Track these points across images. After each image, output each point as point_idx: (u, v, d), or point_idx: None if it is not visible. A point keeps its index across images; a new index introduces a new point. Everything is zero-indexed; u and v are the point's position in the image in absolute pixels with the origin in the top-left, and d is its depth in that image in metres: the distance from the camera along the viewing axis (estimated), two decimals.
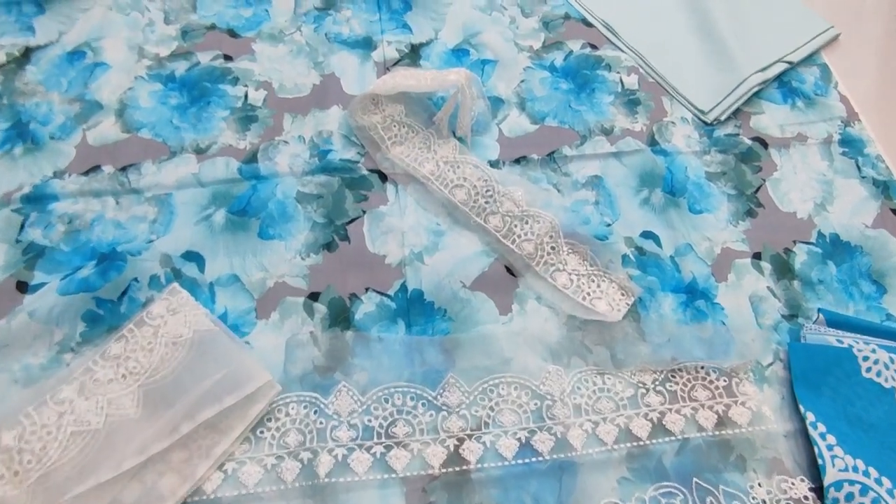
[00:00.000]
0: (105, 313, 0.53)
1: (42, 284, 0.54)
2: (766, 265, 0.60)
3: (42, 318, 0.53)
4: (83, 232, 0.58)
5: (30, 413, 0.47)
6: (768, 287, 0.59)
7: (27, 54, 0.69)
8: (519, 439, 0.50)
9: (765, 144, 0.68)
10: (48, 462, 0.45)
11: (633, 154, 0.67)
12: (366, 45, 0.73)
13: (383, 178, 0.63)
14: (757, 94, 0.71)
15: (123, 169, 0.62)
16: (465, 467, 0.49)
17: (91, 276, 0.55)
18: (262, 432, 0.49)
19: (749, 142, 0.68)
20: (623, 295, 0.57)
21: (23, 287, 0.54)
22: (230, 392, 0.48)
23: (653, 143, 0.68)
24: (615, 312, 0.56)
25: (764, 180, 0.65)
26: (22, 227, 0.58)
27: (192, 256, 0.57)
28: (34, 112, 0.65)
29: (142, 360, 0.50)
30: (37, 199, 0.59)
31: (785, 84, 0.73)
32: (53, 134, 0.64)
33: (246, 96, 0.68)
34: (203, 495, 0.47)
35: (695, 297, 0.58)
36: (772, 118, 0.70)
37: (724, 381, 0.53)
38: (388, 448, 0.49)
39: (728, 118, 0.69)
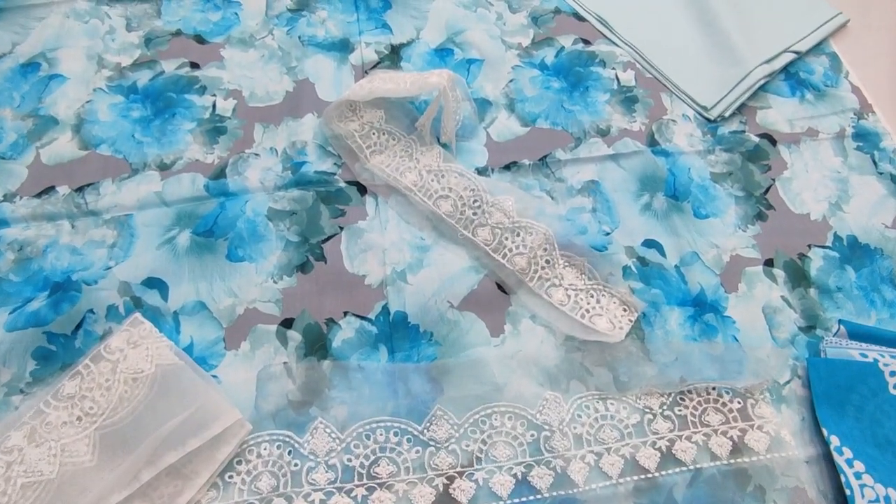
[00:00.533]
0: (58, 349, 0.49)
1: None
2: (780, 272, 0.55)
3: None
4: (35, 260, 0.53)
5: None
6: (783, 297, 0.54)
7: None
8: (515, 475, 0.46)
9: (773, 141, 0.63)
10: None
11: (632, 156, 0.62)
12: (342, 47, 0.69)
13: (362, 190, 0.59)
14: (763, 88, 0.66)
15: (80, 189, 0.57)
16: None
17: (42, 309, 0.50)
18: (230, 476, 0.45)
19: (756, 139, 0.63)
20: (625, 311, 0.53)
21: None
22: (195, 434, 0.44)
23: (653, 143, 0.63)
24: (617, 330, 0.52)
25: (773, 180, 0.61)
26: None
27: (154, 283, 0.52)
28: None
29: (99, 400, 0.46)
30: None
31: (792, 76, 0.68)
32: (4, 153, 0.59)
33: (214, 106, 0.63)
34: None
35: (703, 310, 0.53)
36: (779, 113, 0.65)
37: (739, 402, 0.49)
38: (371, 490, 0.45)
39: (732, 114, 0.65)
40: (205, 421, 0.44)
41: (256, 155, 0.60)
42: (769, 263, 0.56)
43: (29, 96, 0.63)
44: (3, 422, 0.45)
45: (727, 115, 0.64)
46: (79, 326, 0.50)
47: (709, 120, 0.65)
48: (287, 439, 0.46)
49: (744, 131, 0.64)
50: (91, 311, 0.51)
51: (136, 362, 0.47)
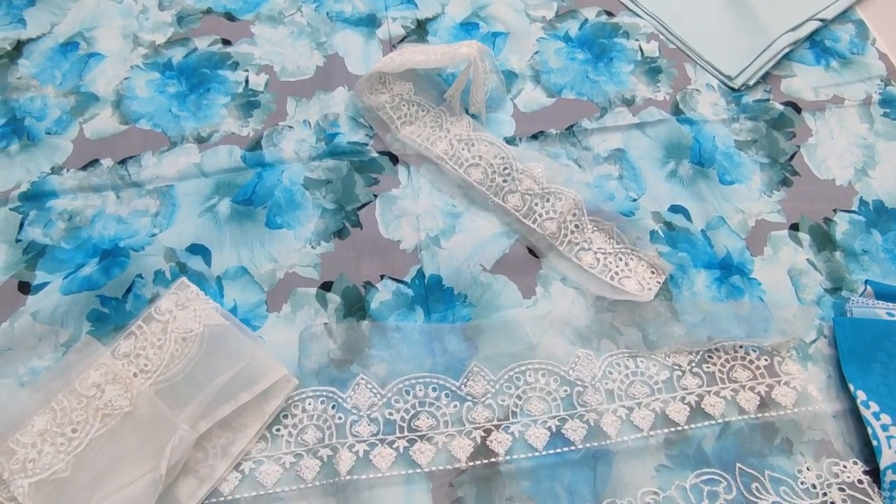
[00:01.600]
0: (110, 311, 0.51)
1: (45, 284, 0.52)
2: (805, 236, 0.56)
3: (46, 318, 0.51)
4: (84, 228, 0.55)
5: (60, 399, 0.45)
6: (808, 259, 0.55)
7: (19, 48, 0.67)
8: (549, 428, 0.48)
9: (798, 109, 0.64)
10: (80, 445, 0.43)
11: (658, 124, 0.63)
12: (370, 22, 0.70)
13: (394, 160, 0.60)
14: (787, 56, 0.67)
15: (123, 162, 0.59)
16: (493, 459, 0.46)
17: (94, 274, 0.53)
18: (278, 430, 0.47)
19: (781, 107, 0.64)
20: (653, 273, 0.54)
21: (25, 288, 0.52)
22: (245, 388, 0.46)
23: (677, 112, 0.64)
24: (646, 292, 0.53)
25: (798, 147, 0.61)
26: (21, 225, 0.56)
27: (198, 249, 0.54)
28: (29, 107, 0.63)
29: (152, 358, 0.48)
30: (35, 197, 0.57)
31: (818, 44, 0.68)
32: (49, 129, 0.62)
33: (247, 81, 0.65)
34: (220, 497, 0.44)
35: (730, 272, 0.55)
36: (805, 81, 0.65)
37: (766, 360, 0.50)
38: (412, 442, 0.47)
39: (757, 83, 0.65)
40: (253, 377, 0.46)
41: (290, 127, 0.62)
42: (794, 228, 0.57)
43: (69, 74, 0.65)
44: (68, 372, 0.47)
45: (751, 83, 0.65)
46: (129, 290, 0.52)
47: (733, 89, 0.65)
48: (330, 395, 0.48)
49: (768, 100, 0.64)
50: (140, 276, 0.53)
51: (185, 323, 0.49)
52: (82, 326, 0.50)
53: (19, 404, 0.46)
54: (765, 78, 0.66)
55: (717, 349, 0.51)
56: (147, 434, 0.44)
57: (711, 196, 0.59)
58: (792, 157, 0.61)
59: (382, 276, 0.53)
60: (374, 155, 0.60)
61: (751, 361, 0.50)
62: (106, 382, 0.46)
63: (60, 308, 0.51)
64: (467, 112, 0.62)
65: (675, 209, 0.58)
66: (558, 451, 0.47)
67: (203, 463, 0.45)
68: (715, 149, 0.61)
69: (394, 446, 0.46)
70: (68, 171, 0.59)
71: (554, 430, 0.47)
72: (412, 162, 0.60)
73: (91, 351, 0.48)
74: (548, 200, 0.56)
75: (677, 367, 0.50)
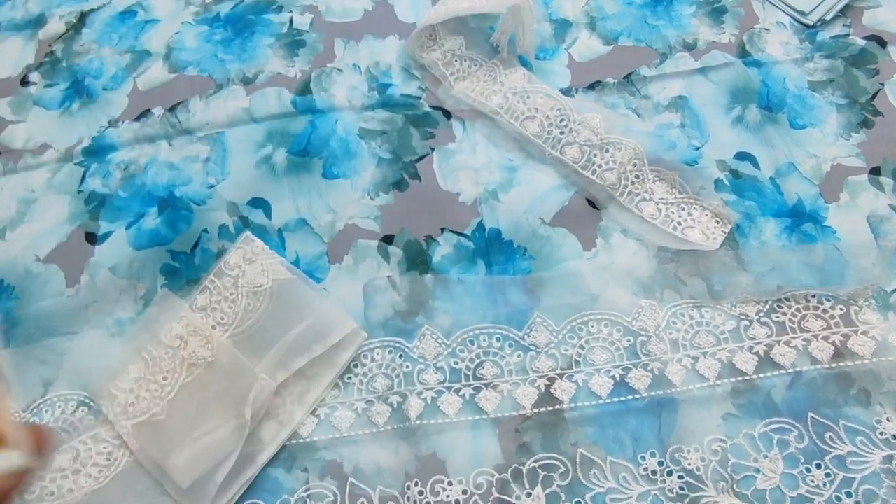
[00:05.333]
0: (181, 266, 0.54)
1: (109, 234, 0.56)
2: (888, 181, 0.53)
3: (123, 273, 0.54)
4: (138, 176, 0.59)
5: (149, 350, 0.49)
6: (890, 205, 0.52)
7: (82, 19, 0.70)
8: (613, 377, 0.48)
9: (882, 43, 0.59)
10: (171, 392, 0.47)
11: (722, 69, 0.60)
12: None
13: (448, 115, 0.60)
14: None
15: (172, 109, 0.62)
16: (557, 407, 0.47)
17: (160, 228, 0.56)
18: (349, 378, 0.49)
19: (862, 42, 0.59)
20: (718, 222, 0.53)
21: (91, 238, 0.56)
22: (317, 342, 0.48)
23: (744, 54, 0.60)
24: (711, 241, 0.52)
25: (882, 85, 0.57)
26: (83, 178, 0.59)
27: (258, 202, 0.56)
28: (88, 68, 0.67)
29: (227, 311, 0.51)
30: (96, 151, 0.61)
31: None
32: (106, 86, 0.65)
33: (291, 21, 0.66)
34: (300, 439, 0.47)
35: (801, 220, 0.52)
36: (891, 10, 0.60)
37: (841, 309, 0.48)
38: (477, 390, 0.48)
39: (835, 17, 0.61)
40: (324, 330, 0.48)
41: (339, 70, 0.62)
42: (875, 172, 0.54)
43: (126, 37, 0.68)
44: (153, 324, 0.51)
45: (828, 18, 0.60)
46: (196, 245, 0.55)
47: (807, 26, 0.61)
48: (397, 345, 0.50)
49: (847, 35, 0.60)
50: (205, 230, 0.55)
51: (254, 277, 0.52)
52: (157, 280, 0.54)
53: (114, 355, 0.49)
54: (844, 11, 0.61)
55: (787, 298, 0.49)
56: (229, 383, 0.47)
57: (781, 141, 0.56)
58: (874, 96, 0.57)
59: (443, 229, 0.54)
60: (428, 109, 0.60)
61: (824, 311, 0.49)
62: (188, 335, 0.49)
63: (135, 262, 0.54)
64: (515, 57, 0.61)
65: (741, 156, 0.56)
66: (623, 399, 0.47)
67: (282, 408, 0.48)
68: (785, 91, 0.58)
69: (460, 393, 0.48)
70: (123, 122, 0.62)
71: (618, 378, 0.48)
72: (467, 117, 0.59)
73: (170, 304, 0.51)
74: (607, 151, 0.55)
75: (744, 317, 0.49)
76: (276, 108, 0.60)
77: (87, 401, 0.49)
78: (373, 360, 0.50)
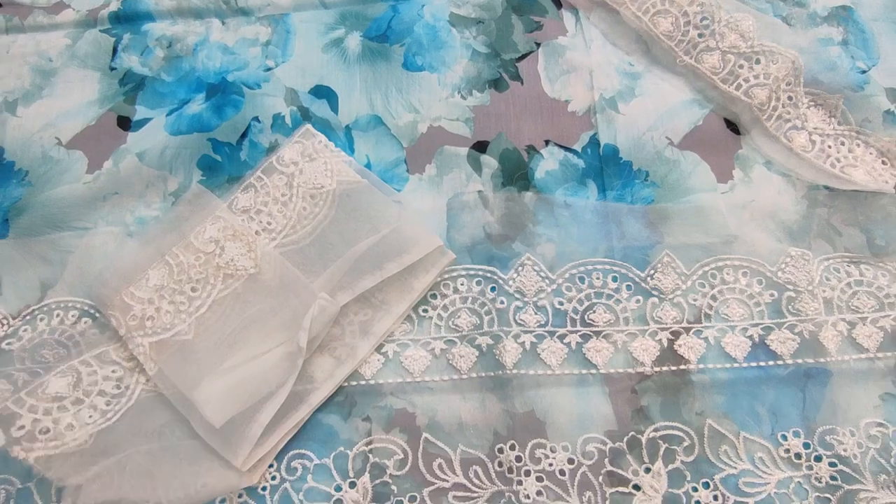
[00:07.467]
0: (223, 160, 0.43)
1: (147, 121, 0.44)
2: None
3: (154, 161, 0.43)
4: (186, 59, 0.46)
5: (175, 253, 0.38)
6: None
7: None
8: (751, 337, 0.39)
9: None
10: (202, 306, 0.37)
11: None
12: None
13: (559, 2, 0.48)
14: None
15: None
16: (683, 367, 0.38)
17: (204, 112, 0.44)
18: (425, 311, 0.39)
19: None
20: (885, 163, 0.43)
21: (125, 123, 0.44)
22: (392, 258, 0.38)
23: None
24: (879, 184, 0.42)
25: None
26: (115, 51, 0.47)
27: (323, 92, 0.45)
28: None
29: (276, 215, 0.40)
30: (128, 18, 0.48)
31: None
32: None
33: None
34: (362, 380, 0.38)
35: None
36: None
37: None
38: (586, 338, 0.39)
39: None
40: (401, 245, 0.38)
41: None
42: None
43: None
44: (181, 224, 0.40)
45: None
46: (244, 136, 0.43)
47: None
48: (489, 275, 0.40)
49: None
50: (256, 119, 0.44)
51: (315, 177, 0.41)
52: (193, 174, 0.43)
53: (129, 255, 0.39)
54: None
55: None
56: (278, 301, 0.37)
57: None
58: None
59: (548, 142, 0.43)
60: None
61: None
62: (225, 239, 0.39)
63: (169, 150, 0.43)
64: None
65: None
66: (762, 364, 0.38)
67: (339, 341, 0.38)
68: None
69: (565, 341, 0.39)
70: None
71: (756, 339, 0.39)
72: (581, 6, 0.48)
73: (204, 202, 0.40)
74: (758, 62, 0.44)
75: None
76: None
77: (92, 311, 0.39)
78: (456, 290, 0.40)
